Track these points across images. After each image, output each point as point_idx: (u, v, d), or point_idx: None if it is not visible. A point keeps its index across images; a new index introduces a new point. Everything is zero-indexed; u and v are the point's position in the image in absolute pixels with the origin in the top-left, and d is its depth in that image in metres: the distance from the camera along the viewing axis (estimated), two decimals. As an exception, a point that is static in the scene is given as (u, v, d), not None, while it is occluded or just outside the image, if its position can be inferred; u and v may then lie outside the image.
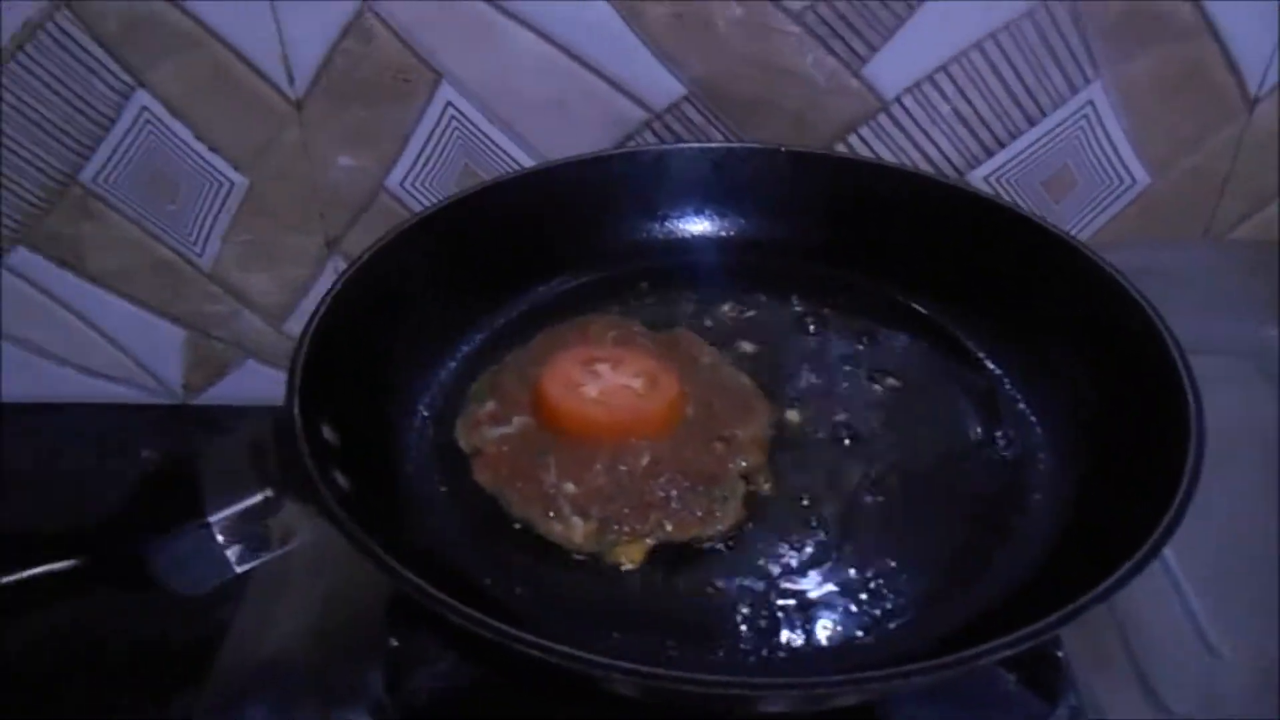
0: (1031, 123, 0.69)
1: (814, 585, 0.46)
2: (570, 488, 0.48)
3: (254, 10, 0.66)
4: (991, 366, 0.58)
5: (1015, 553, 0.48)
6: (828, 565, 0.47)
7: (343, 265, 0.76)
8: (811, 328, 0.61)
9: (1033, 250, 0.59)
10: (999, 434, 0.54)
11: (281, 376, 0.49)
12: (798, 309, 0.63)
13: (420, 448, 0.55)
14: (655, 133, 0.70)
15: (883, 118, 0.69)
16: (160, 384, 0.83)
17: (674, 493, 0.48)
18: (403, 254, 0.58)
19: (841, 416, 0.55)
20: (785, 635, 0.44)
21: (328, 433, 0.48)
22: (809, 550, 0.48)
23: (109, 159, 0.72)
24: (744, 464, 0.51)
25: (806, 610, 0.45)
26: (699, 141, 0.69)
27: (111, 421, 0.83)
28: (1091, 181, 0.71)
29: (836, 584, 0.46)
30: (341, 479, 0.46)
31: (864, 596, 0.46)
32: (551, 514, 0.48)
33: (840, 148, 0.70)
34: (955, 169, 0.71)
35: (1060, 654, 0.48)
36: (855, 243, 0.65)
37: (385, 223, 0.73)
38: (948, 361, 0.59)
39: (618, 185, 0.66)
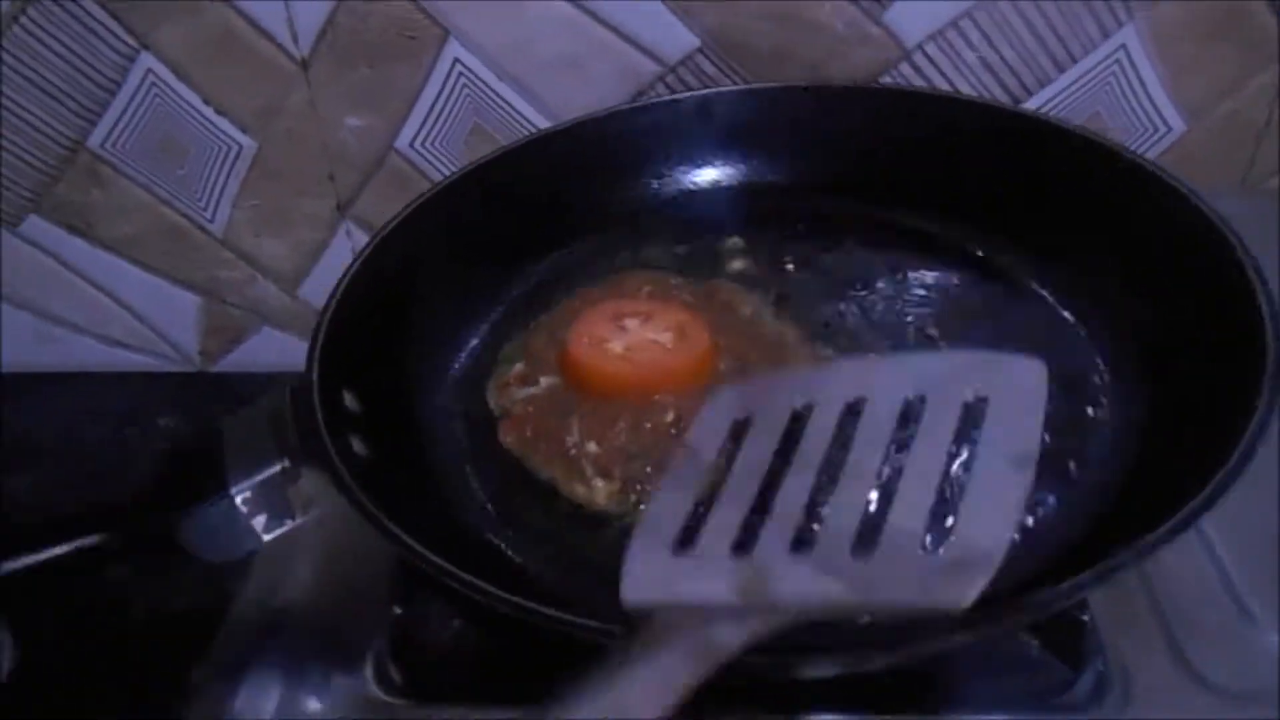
0: (1061, 69, 0.66)
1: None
2: (593, 447, 0.47)
3: (256, -33, 0.64)
4: (1049, 298, 0.55)
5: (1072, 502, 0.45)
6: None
7: (354, 229, 0.75)
8: (857, 268, 0.59)
9: (1087, 166, 0.56)
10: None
11: (298, 342, 0.48)
12: (843, 251, 0.60)
13: (446, 414, 0.54)
14: (669, 86, 0.68)
15: (905, 66, 0.66)
16: (177, 352, 0.83)
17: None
18: (426, 222, 0.57)
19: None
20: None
21: (349, 400, 0.48)
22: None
23: (116, 124, 0.71)
24: None
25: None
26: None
27: (130, 390, 0.83)
28: (1124, 129, 0.68)
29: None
30: (360, 445, 0.46)
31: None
32: (574, 475, 0.47)
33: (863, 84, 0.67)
34: (981, 119, 0.68)
35: (1086, 618, 0.46)
36: (892, 177, 0.62)
37: (396, 185, 0.73)
38: (1003, 297, 0.56)
39: (643, 139, 0.64)
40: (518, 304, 0.60)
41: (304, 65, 0.68)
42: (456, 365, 0.57)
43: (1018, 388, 0.37)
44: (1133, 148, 0.68)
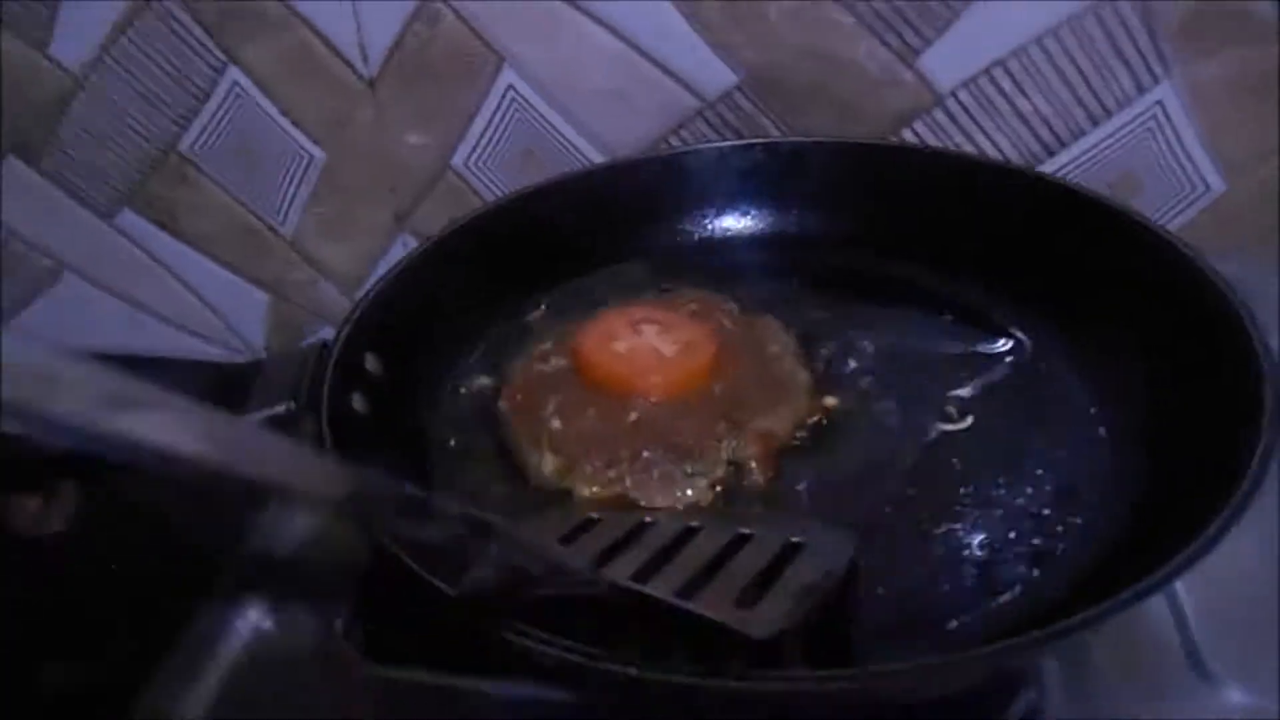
0: (1095, 122, 0.67)
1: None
2: (556, 424, 0.51)
3: (333, -8, 0.70)
4: (1057, 366, 0.55)
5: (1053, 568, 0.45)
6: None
7: (410, 239, 0.80)
8: (867, 321, 0.59)
9: (1099, 232, 0.57)
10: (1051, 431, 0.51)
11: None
12: (851, 305, 0.61)
13: (454, 393, 0.58)
14: (708, 121, 0.71)
15: (938, 112, 0.68)
16: (245, 345, 0.89)
17: (646, 454, 0.49)
18: (478, 232, 0.63)
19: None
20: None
21: (371, 361, 0.54)
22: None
23: (204, 130, 0.77)
24: (737, 450, 0.50)
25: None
26: (752, 134, 0.70)
27: (204, 377, 0.89)
28: (1160, 186, 0.68)
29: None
30: (360, 402, 0.51)
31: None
32: (533, 444, 0.51)
33: (894, 140, 0.69)
34: (1013, 168, 0.69)
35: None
36: (903, 233, 0.64)
37: (451, 200, 0.77)
38: (1025, 379, 0.55)
39: (673, 184, 0.67)
40: (553, 307, 0.64)
41: (372, 85, 0.73)
42: (478, 351, 0.61)
43: (832, 547, 0.43)
44: (1169, 205, 0.69)
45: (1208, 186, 0.67)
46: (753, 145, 0.67)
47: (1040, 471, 0.49)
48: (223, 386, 0.87)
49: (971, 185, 0.62)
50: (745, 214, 0.68)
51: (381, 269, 0.80)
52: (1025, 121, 0.67)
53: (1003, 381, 0.55)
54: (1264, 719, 0.43)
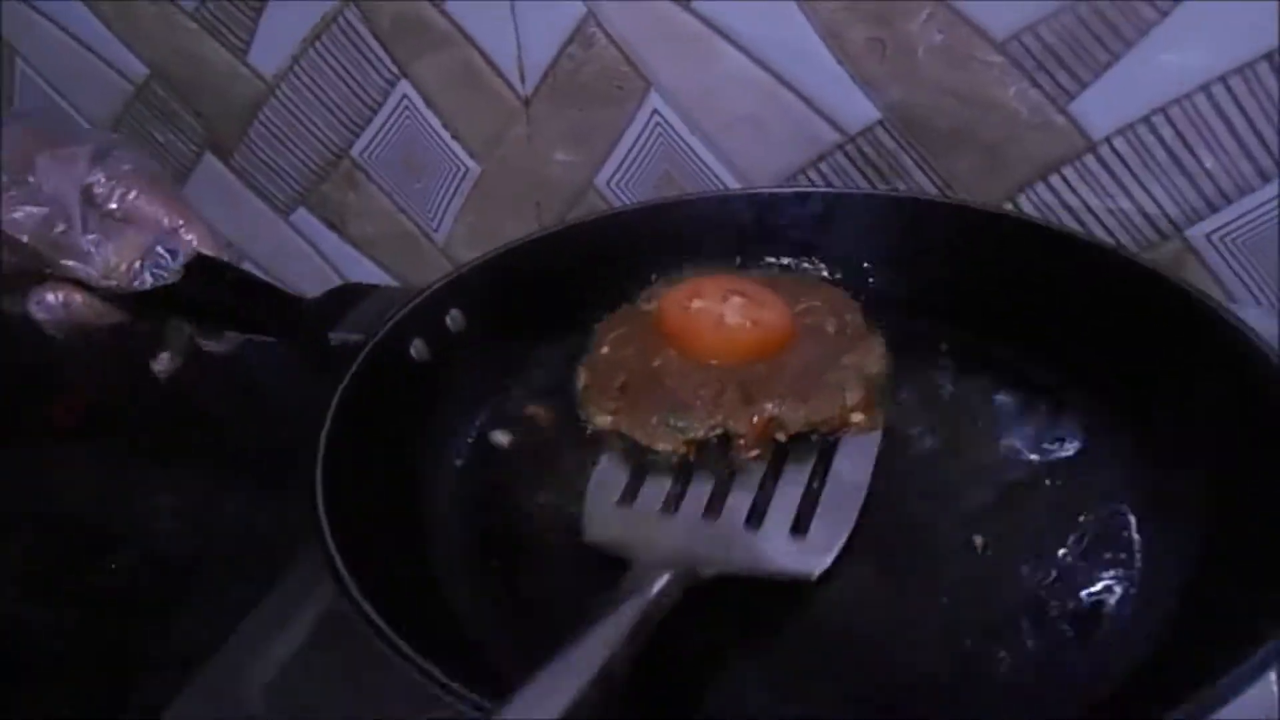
0: (1265, 179, 0.62)
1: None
2: (605, 350, 0.54)
3: (497, 12, 0.74)
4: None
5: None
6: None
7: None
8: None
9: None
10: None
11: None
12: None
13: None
14: (847, 155, 0.70)
15: (1089, 159, 0.65)
16: (395, 344, 0.94)
17: (642, 396, 0.51)
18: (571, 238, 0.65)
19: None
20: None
21: (452, 317, 0.59)
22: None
23: (373, 138, 0.83)
24: (732, 421, 0.49)
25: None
26: (891, 172, 0.69)
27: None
28: (1338, 257, 0.62)
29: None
30: (421, 349, 0.56)
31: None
32: (596, 395, 0.52)
33: (1041, 188, 0.67)
34: (1171, 222, 0.65)
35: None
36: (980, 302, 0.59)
37: (591, 218, 0.79)
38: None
39: (736, 224, 0.65)
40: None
41: (526, 103, 0.77)
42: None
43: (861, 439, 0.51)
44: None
45: (1396, 257, 0.61)
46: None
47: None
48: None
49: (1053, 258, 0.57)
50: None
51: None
52: (1186, 174, 0.63)
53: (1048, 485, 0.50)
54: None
